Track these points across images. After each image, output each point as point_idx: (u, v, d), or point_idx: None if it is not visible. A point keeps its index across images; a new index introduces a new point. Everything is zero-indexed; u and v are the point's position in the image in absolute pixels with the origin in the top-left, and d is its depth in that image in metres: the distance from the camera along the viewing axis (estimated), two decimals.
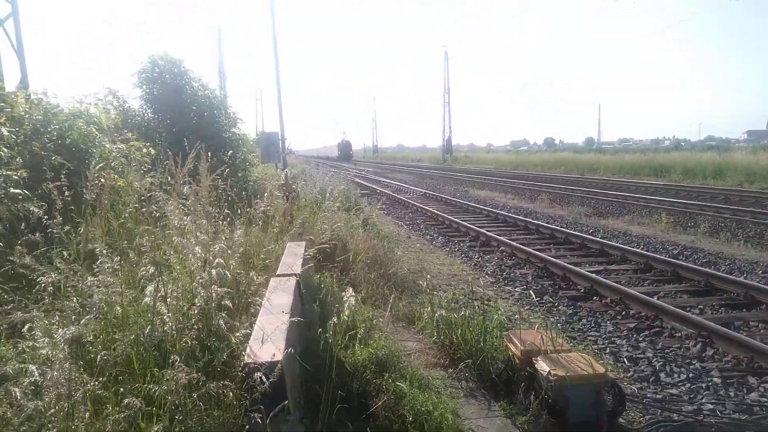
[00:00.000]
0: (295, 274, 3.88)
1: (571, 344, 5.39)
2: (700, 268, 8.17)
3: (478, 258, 9.75)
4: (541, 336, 3.77)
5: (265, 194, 7.62)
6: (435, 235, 12.37)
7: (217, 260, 3.12)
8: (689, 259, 9.19)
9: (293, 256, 4.67)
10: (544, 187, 23.58)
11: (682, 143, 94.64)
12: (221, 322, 2.69)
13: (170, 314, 2.77)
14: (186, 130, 10.25)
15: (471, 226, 12.69)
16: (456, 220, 13.80)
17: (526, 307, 6.71)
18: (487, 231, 11.98)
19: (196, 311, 2.79)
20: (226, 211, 4.98)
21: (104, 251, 3.29)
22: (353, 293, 5.48)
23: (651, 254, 9.13)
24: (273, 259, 5.24)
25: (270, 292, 3.39)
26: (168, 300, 2.83)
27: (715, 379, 4.61)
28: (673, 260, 8.73)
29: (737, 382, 4.59)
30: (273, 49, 8.61)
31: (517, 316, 6.12)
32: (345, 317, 3.86)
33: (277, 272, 4.06)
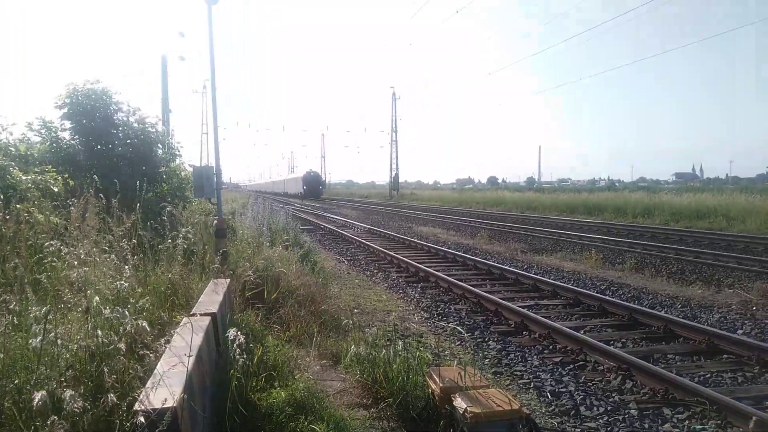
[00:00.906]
0: (211, 313, 3.75)
1: (497, 379, 5.45)
2: (624, 302, 8.50)
3: (415, 294, 9.78)
4: (459, 372, 3.78)
5: (191, 229, 7.44)
6: (375, 271, 12.36)
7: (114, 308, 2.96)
8: (615, 294, 9.55)
9: (213, 294, 4.52)
10: (485, 224, 24.16)
11: (616, 183, 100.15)
12: (115, 367, 2.53)
13: (62, 360, 2.59)
14: (118, 163, 9.93)
15: (411, 262, 12.76)
16: (397, 255, 13.85)
17: (457, 343, 6.75)
18: (427, 267, 12.07)
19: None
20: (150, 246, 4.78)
21: None
22: (279, 331, 5.35)
23: (580, 290, 9.44)
24: (195, 297, 5.07)
25: (179, 332, 3.25)
26: (59, 343, 2.65)
27: (632, 411, 4.74)
28: (600, 295, 9.05)
29: (652, 413, 4.73)
30: (211, 80, 8.54)
31: (447, 352, 6.16)
32: (259, 357, 3.73)
33: (193, 310, 3.91)
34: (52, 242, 3.63)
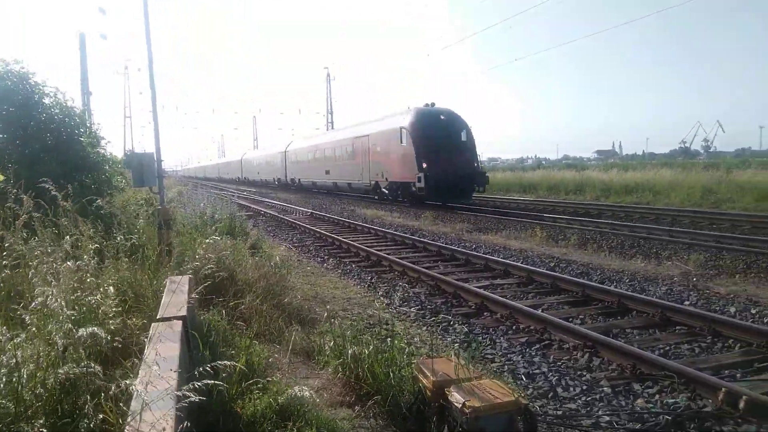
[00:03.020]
0: (181, 317, 3.40)
1: (477, 366, 5.40)
2: (576, 279, 8.73)
3: (371, 279, 9.62)
4: (451, 364, 3.66)
5: (139, 222, 6.88)
6: (326, 257, 12.09)
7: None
8: (565, 271, 9.81)
9: (175, 294, 4.14)
10: (427, 205, 24.32)
11: (543, 162, 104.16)
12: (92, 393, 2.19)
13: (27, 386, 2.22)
14: (40, 152, 9.02)
15: (361, 246, 12.58)
16: (346, 240, 13.63)
17: (424, 328, 6.67)
18: (378, 251, 11.94)
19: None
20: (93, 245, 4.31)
21: None
22: (243, 329, 5.02)
23: (531, 268, 9.62)
24: (150, 296, 4.65)
25: (151, 342, 2.90)
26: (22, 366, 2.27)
27: (605, 389, 4.82)
28: (552, 272, 9.26)
29: (624, 389, 4.84)
30: (148, 58, 7.87)
31: (416, 339, 6.06)
32: (239, 361, 3.43)
33: (159, 315, 3.54)
34: None
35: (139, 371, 2.60)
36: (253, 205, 26.32)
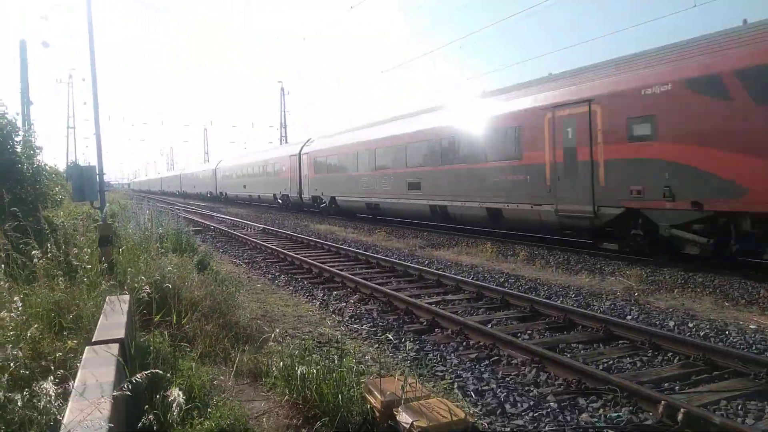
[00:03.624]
0: (118, 339, 3.24)
1: (421, 382, 5.39)
2: (524, 294, 8.91)
3: (323, 296, 9.51)
4: (399, 383, 3.63)
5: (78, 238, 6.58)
6: (277, 274, 11.88)
7: None
8: (514, 287, 9.99)
9: (114, 314, 3.95)
10: (380, 221, 24.37)
11: None
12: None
13: None
14: None
15: (313, 262, 12.44)
16: (298, 256, 13.46)
17: (375, 345, 6.61)
18: (330, 267, 11.84)
19: None
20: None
21: None
22: (186, 350, 4.83)
23: (481, 283, 9.75)
24: (88, 317, 4.42)
25: (85, 367, 2.74)
26: None
27: (552, 404, 4.90)
28: (501, 288, 9.41)
29: (570, 404, 4.93)
30: (91, 70, 7.59)
31: (367, 357, 6.00)
32: (177, 387, 3.28)
33: (95, 338, 3.36)
34: None
35: (70, 400, 2.45)
36: (202, 220, 25.67)
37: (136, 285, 5.32)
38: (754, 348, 6.33)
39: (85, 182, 7.39)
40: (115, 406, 2.34)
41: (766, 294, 8.61)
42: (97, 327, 3.60)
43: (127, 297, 4.52)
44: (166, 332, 4.86)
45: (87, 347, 3.12)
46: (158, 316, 5.38)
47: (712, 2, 13.91)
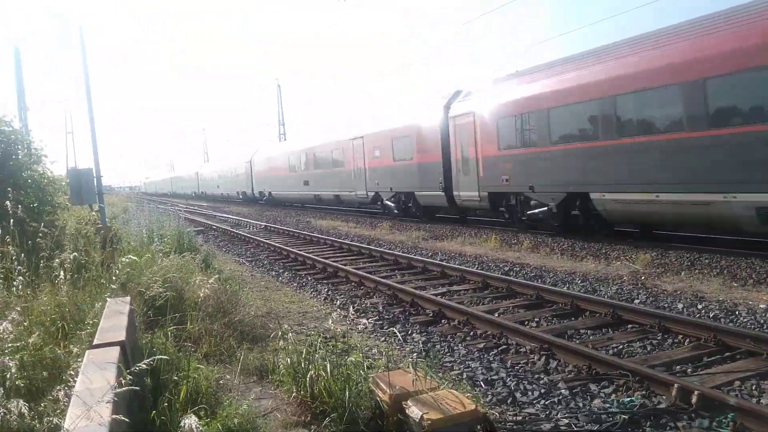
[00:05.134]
0: (118, 342, 3.17)
1: (436, 375, 5.33)
2: (530, 282, 8.83)
3: (327, 291, 9.45)
4: (408, 376, 3.56)
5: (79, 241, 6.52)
6: (280, 271, 11.83)
7: None
8: (519, 275, 9.92)
9: (115, 317, 3.88)
10: (383, 215, 24.26)
11: None
12: None
13: None
14: None
15: (317, 258, 12.39)
16: (301, 252, 13.41)
17: (381, 339, 6.56)
18: (333, 262, 11.79)
19: None
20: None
21: None
22: (191, 350, 4.77)
23: (486, 273, 9.68)
24: (90, 321, 4.35)
25: (83, 372, 2.68)
26: None
27: (563, 391, 4.83)
28: (506, 277, 9.34)
29: (581, 391, 4.87)
30: (84, 74, 7.50)
31: (374, 350, 5.94)
32: (184, 388, 3.23)
33: (95, 341, 3.30)
34: None
35: (70, 406, 2.38)
36: (204, 220, 25.64)
37: (137, 286, 5.27)
38: (765, 327, 6.25)
39: (82, 185, 7.32)
40: (114, 410, 2.27)
41: None
42: (98, 330, 3.54)
43: (127, 299, 4.46)
44: (169, 333, 4.80)
45: (87, 351, 3.06)
46: (161, 317, 5.32)
47: None
